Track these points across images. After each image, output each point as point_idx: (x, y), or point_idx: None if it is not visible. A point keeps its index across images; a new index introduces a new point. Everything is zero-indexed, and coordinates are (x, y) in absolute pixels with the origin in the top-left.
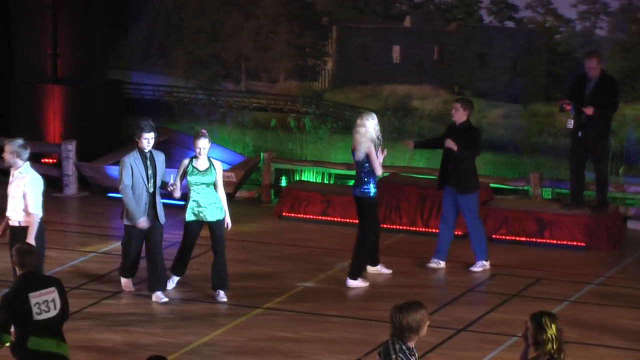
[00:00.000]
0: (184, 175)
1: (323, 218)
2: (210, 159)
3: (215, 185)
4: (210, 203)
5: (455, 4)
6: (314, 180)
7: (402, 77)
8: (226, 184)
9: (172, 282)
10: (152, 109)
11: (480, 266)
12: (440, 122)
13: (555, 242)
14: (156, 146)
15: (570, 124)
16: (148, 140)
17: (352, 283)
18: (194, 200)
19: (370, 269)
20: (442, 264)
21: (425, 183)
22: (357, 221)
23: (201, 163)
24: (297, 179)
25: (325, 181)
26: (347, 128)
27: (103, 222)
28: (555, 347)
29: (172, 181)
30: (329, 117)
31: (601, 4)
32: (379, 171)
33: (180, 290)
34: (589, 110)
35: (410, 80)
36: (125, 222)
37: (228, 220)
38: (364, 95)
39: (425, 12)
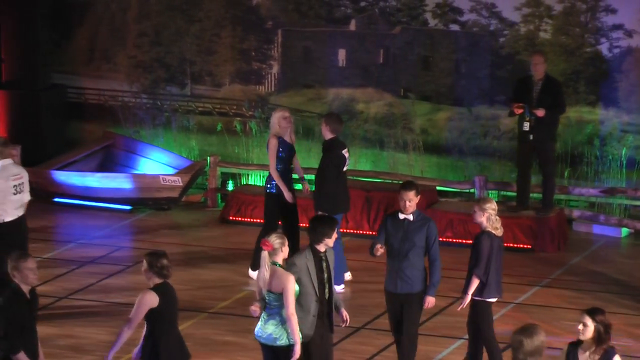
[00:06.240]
0: None
1: None
2: None
3: None
4: None
5: (400, 7)
6: (261, 184)
7: (346, 80)
8: (172, 188)
9: None
10: (97, 113)
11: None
12: (385, 126)
13: None
14: (100, 150)
15: (527, 126)
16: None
17: (250, 273)
18: None
19: None
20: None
21: (371, 186)
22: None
23: None
24: (244, 182)
25: None
26: None
27: (48, 228)
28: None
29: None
30: None
31: (545, 7)
32: (271, 166)
33: None
34: (540, 112)
35: (355, 84)
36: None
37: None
38: (308, 99)
39: (370, 16)
